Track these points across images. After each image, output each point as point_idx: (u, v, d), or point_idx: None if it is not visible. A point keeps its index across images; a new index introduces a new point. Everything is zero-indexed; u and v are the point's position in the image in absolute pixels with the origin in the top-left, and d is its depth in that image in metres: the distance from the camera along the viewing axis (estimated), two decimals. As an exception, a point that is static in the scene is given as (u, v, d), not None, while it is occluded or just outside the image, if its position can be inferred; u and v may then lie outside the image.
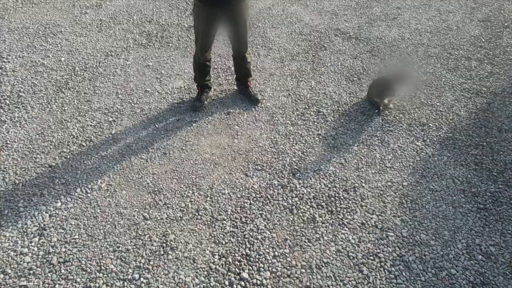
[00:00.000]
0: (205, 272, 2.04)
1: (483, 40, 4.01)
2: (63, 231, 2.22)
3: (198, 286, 1.98)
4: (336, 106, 3.14)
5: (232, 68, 3.31)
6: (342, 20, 4.33)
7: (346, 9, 4.56)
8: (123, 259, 2.10)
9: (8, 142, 2.77)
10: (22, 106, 3.07)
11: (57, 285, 1.97)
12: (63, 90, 3.25)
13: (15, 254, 2.11)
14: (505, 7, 4.62)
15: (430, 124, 2.98)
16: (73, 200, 2.39)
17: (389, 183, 2.53)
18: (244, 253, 2.13)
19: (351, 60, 3.69)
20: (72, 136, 2.83)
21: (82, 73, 3.44)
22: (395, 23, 4.31)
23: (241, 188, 2.49)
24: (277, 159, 2.69)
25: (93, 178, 2.53)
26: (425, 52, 3.82)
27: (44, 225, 2.24)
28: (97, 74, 3.44)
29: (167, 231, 2.23)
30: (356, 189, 2.49)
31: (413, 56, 3.77)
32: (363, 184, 2.52)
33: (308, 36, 4.05)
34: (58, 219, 2.28)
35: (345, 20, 4.34)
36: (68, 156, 2.68)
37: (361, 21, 4.33)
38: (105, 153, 2.71)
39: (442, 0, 4.78)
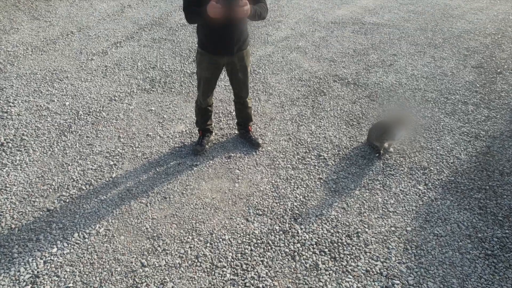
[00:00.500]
0: (204, 324, 1.94)
1: (478, 85, 4.11)
2: (57, 278, 2.14)
3: None
4: (336, 150, 3.15)
5: (233, 113, 3.37)
6: (340, 67, 4.47)
7: (344, 56, 4.73)
8: (118, 309, 2.00)
9: (7, 185, 2.75)
10: (24, 149, 3.08)
11: (47, 338, 1.87)
12: (66, 133, 3.28)
13: (5, 303, 2.02)
14: (496, 54, 4.80)
15: (431, 168, 2.97)
16: (69, 245, 2.33)
17: (393, 228, 2.48)
18: (245, 303, 2.04)
19: (350, 105, 3.77)
20: (72, 180, 2.82)
21: (85, 117, 3.49)
22: (391, 69, 4.44)
23: (242, 234, 2.43)
24: (278, 204, 2.66)
25: (91, 223, 2.49)
26: (423, 96, 3.90)
27: (37, 272, 2.17)
28: (100, 118, 3.49)
29: (165, 278, 2.15)
30: (359, 234, 2.43)
31: (411, 100, 3.85)
32: (366, 229, 2.47)
33: (308, 82, 4.16)
34: (52, 265, 2.21)
35: (343, 66, 4.48)
36: (67, 200, 2.65)
37: (359, 67, 4.47)
38: (104, 197, 2.68)
39: (436, 47, 4.97)
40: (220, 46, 2.55)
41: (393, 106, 3.76)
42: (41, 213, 2.55)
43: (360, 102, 3.80)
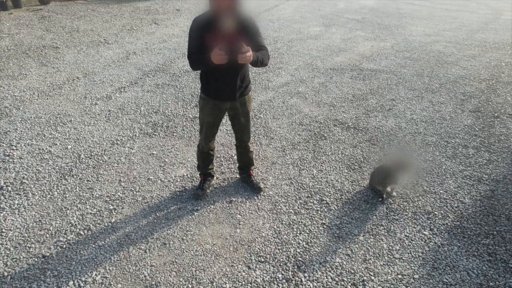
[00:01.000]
0: None
1: (477, 129, 4.16)
2: (48, 331, 2.03)
3: None
4: (339, 195, 3.12)
5: (235, 157, 3.37)
6: (340, 111, 4.55)
7: (343, 101, 4.83)
8: None
9: (3, 230, 2.69)
10: (24, 193, 3.05)
11: None
12: (67, 177, 3.26)
13: None
14: (492, 99, 4.90)
15: (436, 212, 2.92)
16: (63, 295, 2.23)
17: (400, 276, 2.39)
18: None
19: (351, 149, 3.78)
20: (70, 225, 2.76)
21: (86, 161, 3.49)
22: (391, 113, 4.51)
23: (243, 282, 2.34)
24: (280, 250, 2.58)
25: (88, 270, 2.40)
26: (423, 140, 3.93)
27: (28, 324, 2.06)
28: (101, 161, 3.49)
29: (162, 332, 2.04)
30: (365, 283, 2.34)
31: (411, 144, 3.87)
32: (372, 277, 2.38)
33: (308, 126, 4.21)
34: (45, 317, 2.10)
35: (343, 111, 4.56)
36: (64, 246, 2.58)
37: (358, 112, 4.54)
38: (102, 242, 2.61)
39: (433, 92, 5.08)
40: (223, 91, 2.60)
41: (394, 150, 3.77)
42: (36, 259, 2.47)
43: (361, 146, 3.82)
